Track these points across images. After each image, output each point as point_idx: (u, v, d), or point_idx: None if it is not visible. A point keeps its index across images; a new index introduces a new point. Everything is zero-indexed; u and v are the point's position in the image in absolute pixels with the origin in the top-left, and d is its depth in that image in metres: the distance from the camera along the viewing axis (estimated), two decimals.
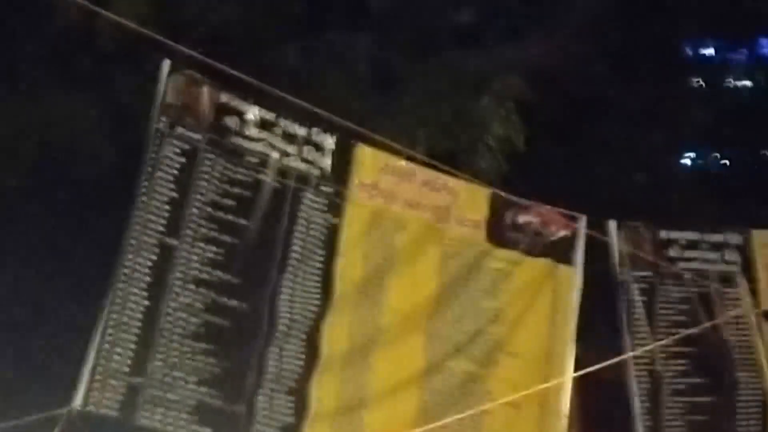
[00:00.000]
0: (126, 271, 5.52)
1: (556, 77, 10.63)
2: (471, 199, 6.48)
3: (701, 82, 13.74)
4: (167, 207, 5.64)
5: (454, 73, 9.07)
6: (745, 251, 7.12)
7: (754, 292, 6.89)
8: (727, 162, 13.72)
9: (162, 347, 5.56)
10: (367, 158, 6.22)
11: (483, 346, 6.35)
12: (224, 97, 5.85)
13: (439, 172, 6.48)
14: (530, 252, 6.53)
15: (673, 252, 6.98)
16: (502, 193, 6.63)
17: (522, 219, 6.54)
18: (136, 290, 5.53)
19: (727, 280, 6.98)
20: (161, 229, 5.62)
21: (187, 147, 5.72)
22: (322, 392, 5.93)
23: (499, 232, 6.50)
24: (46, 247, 9.24)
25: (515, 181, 7.58)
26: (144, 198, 5.59)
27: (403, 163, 6.41)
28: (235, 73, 5.69)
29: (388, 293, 6.21)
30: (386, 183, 6.26)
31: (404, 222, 6.31)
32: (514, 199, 6.59)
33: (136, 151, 5.92)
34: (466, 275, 6.40)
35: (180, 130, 5.72)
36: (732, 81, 14.00)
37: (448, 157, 7.17)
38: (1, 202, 8.90)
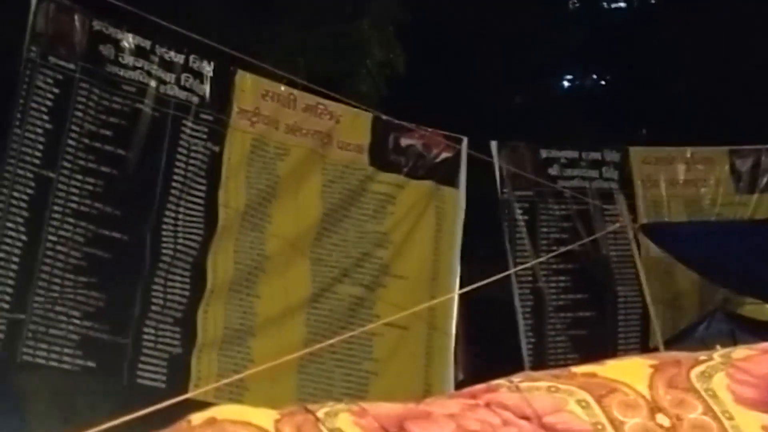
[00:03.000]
0: (1, 206, 5.38)
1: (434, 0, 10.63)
2: (353, 124, 6.46)
3: (577, 3, 13.86)
4: (42, 139, 5.50)
5: None
6: (622, 168, 7.26)
7: (631, 207, 7.03)
8: (604, 82, 13.94)
9: (43, 282, 5.47)
10: (247, 85, 6.15)
11: (369, 270, 6.39)
12: (98, 25, 5.70)
13: (320, 97, 6.44)
14: (413, 175, 6.55)
15: (553, 171, 7.08)
16: (384, 117, 6.62)
17: (404, 142, 6.55)
18: (12, 225, 5.40)
19: (605, 196, 7.12)
20: (37, 161, 5.48)
21: (60, 77, 5.57)
22: (209, 321, 5.90)
23: (382, 156, 6.50)
24: None
25: (396, 104, 7.55)
26: (18, 130, 5.43)
27: (283, 88, 6.36)
28: None
29: (272, 220, 6.19)
30: (267, 109, 6.20)
31: (286, 148, 6.27)
32: (397, 122, 6.60)
33: (7, 83, 5.75)
34: (350, 200, 6.41)
35: (53, 59, 5.56)
36: (607, 2, 14.17)
37: (329, 82, 7.11)
38: None
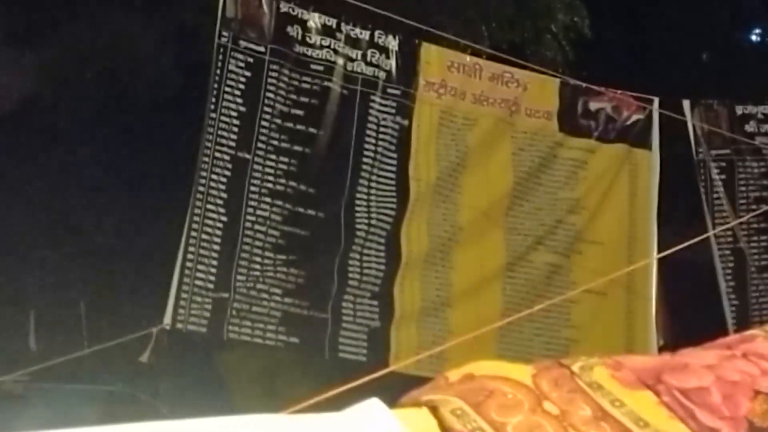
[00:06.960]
0: (201, 188, 5.54)
1: None
2: (540, 90, 6.38)
3: None
4: (237, 121, 5.63)
5: None
6: None
7: None
8: None
9: (244, 261, 5.60)
10: (432, 57, 6.14)
11: (563, 236, 6.31)
12: (284, 7, 5.79)
13: (505, 65, 6.38)
14: (605, 138, 6.42)
15: (750, 127, 6.81)
16: (572, 81, 6.52)
17: (594, 105, 6.42)
18: (212, 207, 5.55)
19: None
20: (233, 143, 5.62)
21: (251, 60, 5.69)
22: (406, 294, 5.94)
23: (571, 121, 6.39)
24: (122, 173, 9.33)
25: (583, 68, 7.44)
26: (213, 114, 5.58)
27: (468, 59, 6.32)
28: None
29: (464, 191, 6.18)
30: (453, 80, 6.18)
31: (474, 118, 6.24)
32: (585, 86, 6.47)
33: (201, 69, 5.91)
34: (541, 167, 6.34)
35: (243, 43, 5.68)
36: None
37: (514, 49, 7.05)
38: (73, 132, 8.97)
